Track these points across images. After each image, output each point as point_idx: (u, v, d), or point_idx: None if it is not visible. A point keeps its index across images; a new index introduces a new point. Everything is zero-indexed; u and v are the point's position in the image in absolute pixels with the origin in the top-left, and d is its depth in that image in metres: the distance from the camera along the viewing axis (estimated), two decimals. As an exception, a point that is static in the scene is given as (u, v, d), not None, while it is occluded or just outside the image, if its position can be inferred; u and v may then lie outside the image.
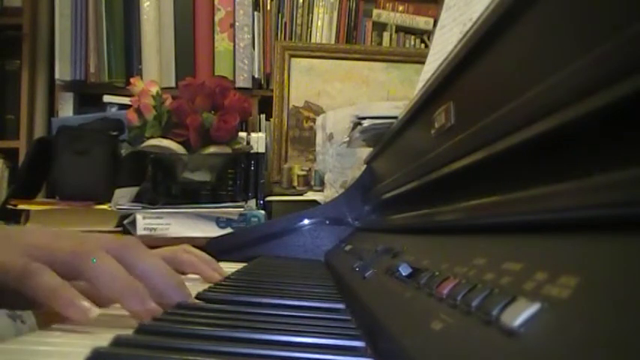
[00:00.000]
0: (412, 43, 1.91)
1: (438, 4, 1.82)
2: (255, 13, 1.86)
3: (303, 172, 1.64)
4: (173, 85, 1.79)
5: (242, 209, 1.35)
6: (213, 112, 1.38)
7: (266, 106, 1.83)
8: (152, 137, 1.36)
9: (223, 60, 1.84)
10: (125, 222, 1.32)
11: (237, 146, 1.44)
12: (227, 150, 1.41)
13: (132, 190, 1.42)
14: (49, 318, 0.39)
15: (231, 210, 1.34)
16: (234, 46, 1.84)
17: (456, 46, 0.44)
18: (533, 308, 0.20)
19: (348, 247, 0.86)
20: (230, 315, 0.40)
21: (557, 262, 0.22)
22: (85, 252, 0.38)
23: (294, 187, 1.63)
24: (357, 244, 0.83)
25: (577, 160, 0.26)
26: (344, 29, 1.89)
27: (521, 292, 0.22)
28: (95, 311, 0.35)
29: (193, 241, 1.13)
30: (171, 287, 0.42)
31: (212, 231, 1.30)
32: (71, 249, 0.38)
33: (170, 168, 1.40)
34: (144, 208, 1.33)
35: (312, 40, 1.87)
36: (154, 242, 1.20)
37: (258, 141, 1.56)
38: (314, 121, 1.65)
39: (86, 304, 0.35)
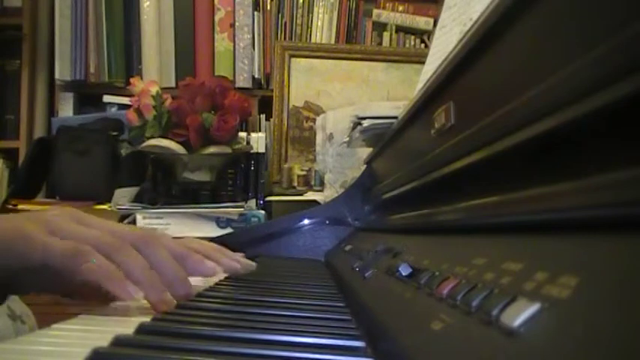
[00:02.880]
0: (412, 43, 1.91)
1: (438, 4, 1.82)
2: (255, 13, 1.86)
3: (303, 172, 1.64)
4: (173, 85, 1.79)
5: (242, 209, 1.35)
6: (213, 112, 1.38)
7: (266, 106, 1.83)
8: (152, 137, 1.36)
9: (223, 60, 1.84)
10: (125, 222, 1.32)
11: (237, 146, 1.44)
12: (227, 150, 1.41)
13: (132, 190, 1.42)
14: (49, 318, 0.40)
15: (231, 210, 1.34)
16: (234, 46, 1.84)
17: (456, 46, 0.44)
18: (533, 308, 0.20)
19: (348, 247, 0.86)
20: (230, 315, 0.40)
21: (557, 262, 0.22)
22: (117, 246, 0.42)
23: (294, 187, 1.63)
24: (357, 244, 0.83)
25: (577, 160, 0.26)
26: (344, 29, 1.89)
27: (521, 292, 0.22)
28: (140, 293, 0.39)
29: (193, 241, 1.13)
30: (178, 280, 0.46)
31: (212, 231, 1.30)
32: (106, 240, 0.42)
33: (170, 168, 1.40)
34: (144, 208, 1.33)
35: (312, 40, 1.87)
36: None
37: (258, 141, 1.56)
38: (314, 121, 1.65)
39: (133, 286, 0.39)
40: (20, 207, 1.35)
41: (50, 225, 0.42)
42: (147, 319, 0.36)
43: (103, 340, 0.29)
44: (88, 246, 0.40)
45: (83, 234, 0.42)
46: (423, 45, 1.89)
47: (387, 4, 1.91)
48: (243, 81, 1.83)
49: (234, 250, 0.65)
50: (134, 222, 1.31)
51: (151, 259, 0.44)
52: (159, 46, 1.83)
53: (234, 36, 1.84)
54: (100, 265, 0.39)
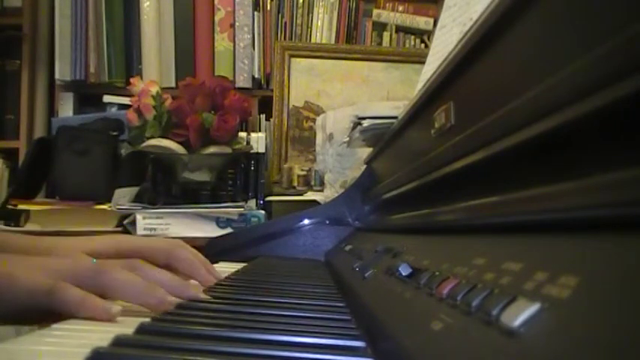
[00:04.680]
0: (412, 43, 1.91)
1: (438, 4, 1.82)
2: (255, 13, 1.86)
3: (303, 172, 1.64)
4: (173, 85, 1.79)
5: (242, 209, 1.35)
6: (213, 112, 1.38)
7: (266, 106, 1.83)
8: (152, 137, 1.36)
9: (223, 60, 1.84)
10: (125, 222, 1.32)
11: (237, 146, 1.44)
12: (227, 150, 1.41)
13: (132, 190, 1.41)
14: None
15: (231, 210, 1.34)
16: (234, 46, 1.84)
17: (456, 46, 0.44)
18: (533, 308, 0.20)
19: (348, 247, 0.86)
20: (230, 315, 0.40)
21: (557, 262, 0.22)
22: (104, 269, 0.44)
23: (294, 187, 1.63)
24: (357, 244, 0.83)
25: (577, 160, 0.26)
26: (344, 29, 1.89)
27: (521, 292, 0.22)
28: (118, 308, 0.40)
29: (193, 241, 1.13)
30: (184, 286, 0.48)
31: (212, 231, 1.30)
32: (91, 267, 0.44)
33: (170, 168, 1.40)
34: (144, 208, 1.33)
35: (312, 40, 1.87)
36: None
37: (258, 141, 1.56)
38: (314, 121, 1.65)
39: (108, 304, 0.40)
40: (20, 207, 1.35)
41: (49, 265, 0.44)
42: (147, 319, 0.36)
43: (103, 340, 0.29)
44: (63, 282, 0.41)
45: (70, 269, 0.44)
46: (423, 45, 1.89)
47: (387, 4, 1.91)
48: (243, 81, 1.83)
49: (234, 250, 0.65)
50: (134, 222, 1.31)
51: (147, 277, 0.46)
52: (159, 46, 1.83)
53: (234, 36, 1.84)
54: (72, 295, 0.40)
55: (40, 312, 0.41)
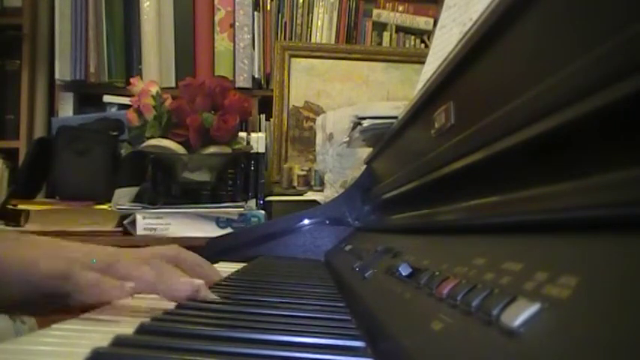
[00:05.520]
0: (412, 43, 1.91)
1: (438, 4, 1.82)
2: (255, 13, 1.86)
3: (303, 172, 1.64)
4: (173, 85, 1.79)
5: (242, 209, 1.35)
6: (213, 112, 1.38)
7: (266, 106, 1.83)
8: (152, 137, 1.36)
9: (223, 60, 1.84)
10: (125, 222, 1.32)
11: (237, 146, 1.44)
12: (227, 150, 1.41)
13: (132, 190, 1.41)
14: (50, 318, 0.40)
15: (231, 210, 1.34)
16: (234, 46, 1.84)
17: (456, 46, 0.44)
18: (533, 308, 0.20)
19: (348, 247, 0.86)
20: (230, 315, 0.40)
21: (557, 262, 0.22)
22: (117, 259, 0.46)
23: (294, 187, 1.63)
24: (357, 244, 0.83)
25: (577, 160, 0.26)
26: (344, 29, 1.89)
27: (521, 292, 0.22)
28: (131, 284, 0.42)
29: (193, 241, 1.13)
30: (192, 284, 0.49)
31: (212, 231, 1.30)
32: (106, 256, 0.46)
33: (170, 168, 1.40)
34: (144, 208, 1.33)
35: (312, 40, 1.87)
36: (153, 242, 1.20)
37: (258, 141, 1.56)
38: (314, 121, 1.65)
39: (121, 282, 0.42)
40: (20, 207, 1.35)
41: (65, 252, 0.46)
42: (147, 319, 0.36)
43: (103, 340, 0.29)
44: (79, 265, 0.43)
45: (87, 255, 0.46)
46: (423, 45, 1.89)
47: (387, 4, 1.91)
48: (243, 81, 1.83)
49: (234, 250, 0.66)
50: (134, 222, 1.31)
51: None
52: (159, 46, 1.83)
53: (234, 36, 1.84)
54: (88, 277, 0.42)
55: (56, 298, 0.42)
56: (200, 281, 0.47)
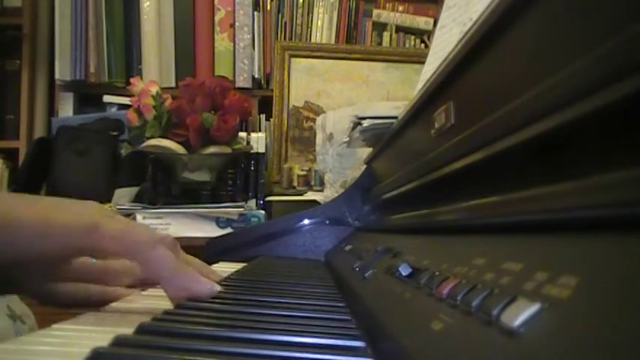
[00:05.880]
0: (412, 43, 1.91)
1: (438, 4, 1.82)
2: (255, 13, 1.86)
3: (303, 172, 1.64)
4: (173, 85, 1.79)
5: (242, 209, 1.35)
6: (213, 112, 1.38)
7: (266, 106, 1.83)
8: (152, 137, 1.36)
9: (223, 60, 1.84)
10: (125, 222, 1.32)
11: (237, 146, 1.44)
12: (227, 150, 1.41)
13: (132, 190, 1.42)
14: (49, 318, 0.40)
15: (231, 210, 1.34)
16: (234, 46, 1.84)
17: (456, 46, 0.44)
18: (533, 308, 0.20)
19: (348, 247, 0.86)
20: (230, 315, 0.40)
21: (557, 262, 0.22)
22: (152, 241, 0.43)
23: (294, 187, 1.63)
24: (357, 244, 0.83)
25: (577, 160, 0.26)
26: (344, 29, 1.89)
27: (521, 292, 0.22)
28: (155, 243, 0.41)
29: (193, 241, 1.13)
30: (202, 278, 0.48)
31: (212, 231, 1.30)
32: (143, 238, 0.43)
33: (170, 168, 1.40)
34: (144, 208, 1.33)
35: (312, 40, 1.87)
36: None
37: (258, 141, 1.56)
38: (314, 121, 1.65)
39: (143, 242, 0.41)
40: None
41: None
42: (147, 319, 0.36)
43: (103, 340, 0.29)
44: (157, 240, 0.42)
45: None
46: (423, 45, 1.89)
47: (387, 4, 1.91)
48: (243, 81, 1.83)
49: (234, 250, 0.65)
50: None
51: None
52: (159, 46, 1.83)
53: (234, 36, 1.84)
54: (167, 255, 0.41)
55: (83, 253, 0.41)
56: (219, 287, 0.45)
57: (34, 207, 0.41)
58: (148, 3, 1.81)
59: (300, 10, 1.88)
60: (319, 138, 1.48)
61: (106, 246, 0.41)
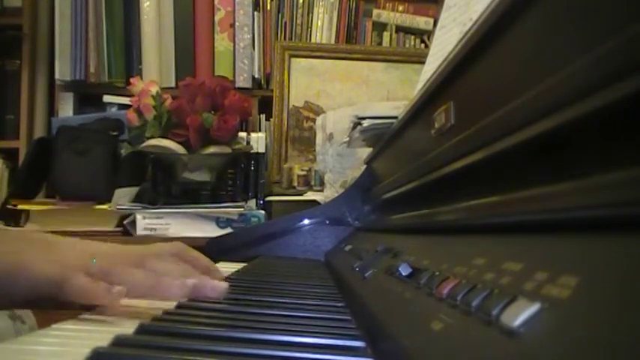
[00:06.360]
0: (412, 43, 1.91)
1: (438, 4, 1.82)
2: (255, 13, 1.86)
3: (303, 172, 1.64)
4: (173, 85, 1.79)
5: (242, 209, 1.35)
6: (213, 112, 1.38)
7: (266, 106, 1.82)
8: (152, 137, 1.36)
9: (223, 60, 1.84)
10: (125, 222, 1.32)
11: (237, 146, 1.44)
12: (227, 150, 1.41)
13: (132, 190, 1.41)
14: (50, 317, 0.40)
15: (231, 210, 1.34)
16: (234, 46, 1.84)
17: (456, 47, 0.44)
18: (533, 308, 0.20)
19: (348, 247, 0.86)
20: (230, 315, 0.40)
21: (557, 262, 0.22)
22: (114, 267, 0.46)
23: (294, 187, 1.63)
24: (357, 244, 0.83)
25: (577, 160, 0.26)
26: (344, 29, 1.89)
27: (521, 292, 0.22)
28: (119, 288, 0.42)
29: (193, 241, 1.13)
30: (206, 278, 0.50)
31: (212, 231, 1.30)
32: (104, 257, 0.46)
33: (170, 168, 1.40)
34: (144, 208, 1.33)
35: (312, 40, 1.87)
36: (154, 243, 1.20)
37: (258, 141, 1.56)
38: (314, 121, 1.65)
39: (115, 288, 0.42)
40: (20, 207, 1.35)
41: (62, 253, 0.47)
42: (147, 319, 0.36)
43: (103, 340, 0.29)
44: (72, 270, 0.43)
45: (82, 257, 0.46)
46: (423, 45, 1.89)
47: (387, 4, 1.91)
48: (243, 81, 1.83)
49: (234, 250, 0.66)
50: (134, 222, 1.31)
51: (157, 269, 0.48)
52: (159, 46, 1.82)
53: (234, 36, 1.84)
54: (80, 283, 0.42)
55: (51, 300, 0.42)
56: (193, 280, 0.46)
57: (5, 253, 0.43)
58: (148, 3, 1.81)
59: (300, 10, 1.88)
60: (319, 138, 1.48)
61: (72, 299, 0.42)
